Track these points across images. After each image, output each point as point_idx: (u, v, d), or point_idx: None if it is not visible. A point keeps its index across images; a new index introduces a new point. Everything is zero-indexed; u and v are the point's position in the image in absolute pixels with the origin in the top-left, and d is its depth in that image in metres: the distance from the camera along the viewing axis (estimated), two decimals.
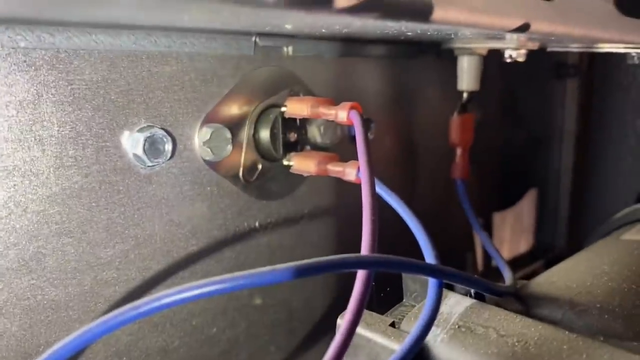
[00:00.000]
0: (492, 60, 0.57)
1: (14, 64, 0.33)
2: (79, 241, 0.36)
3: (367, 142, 0.37)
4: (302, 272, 0.27)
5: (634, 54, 0.59)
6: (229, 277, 0.26)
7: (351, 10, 0.25)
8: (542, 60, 0.73)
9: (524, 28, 0.34)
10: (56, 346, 0.26)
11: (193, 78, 0.40)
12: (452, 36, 0.46)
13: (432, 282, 0.32)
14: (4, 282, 0.34)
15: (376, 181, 0.37)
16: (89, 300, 0.38)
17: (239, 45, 0.42)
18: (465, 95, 0.57)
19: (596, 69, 0.83)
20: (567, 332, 0.32)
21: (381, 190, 0.39)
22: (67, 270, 0.36)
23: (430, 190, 0.66)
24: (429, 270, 0.31)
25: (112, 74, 0.36)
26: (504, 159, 0.80)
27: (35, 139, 0.34)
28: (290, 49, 0.46)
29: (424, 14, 0.28)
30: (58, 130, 0.35)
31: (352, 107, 0.40)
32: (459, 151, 0.59)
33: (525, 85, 0.80)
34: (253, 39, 0.42)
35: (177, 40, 0.38)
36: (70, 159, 0.35)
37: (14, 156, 0.33)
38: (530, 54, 0.53)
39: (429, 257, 0.33)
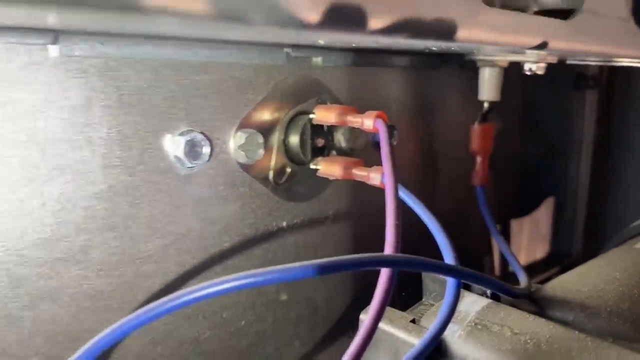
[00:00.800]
0: (513, 72, 0.59)
1: (69, 70, 0.36)
2: (122, 235, 0.39)
3: (392, 150, 0.40)
4: (331, 268, 0.29)
5: None
6: (260, 272, 0.28)
7: (382, 31, 0.27)
8: (562, 71, 0.74)
9: (542, 46, 0.36)
10: (105, 332, 0.29)
11: (230, 86, 0.43)
12: (474, 50, 0.49)
13: (450, 281, 0.34)
14: (55, 271, 0.37)
15: (399, 186, 0.39)
16: (130, 291, 0.41)
17: (273, 56, 0.45)
18: (486, 105, 0.59)
19: (616, 80, 0.85)
20: (577, 333, 0.34)
21: (403, 194, 0.41)
22: (110, 262, 0.39)
23: (449, 195, 0.68)
24: (449, 270, 0.34)
25: (156, 81, 0.39)
26: (523, 167, 0.81)
27: (85, 140, 0.37)
28: (319, 59, 0.48)
29: (448, 34, 0.30)
30: (106, 133, 0.38)
31: (378, 116, 0.42)
32: (479, 159, 0.62)
33: (544, 96, 0.81)
34: (286, 50, 0.45)
35: (216, 51, 0.41)
36: (117, 159, 0.38)
37: (66, 155, 0.36)
38: (550, 66, 0.55)
39: (449, 258, 0.36)
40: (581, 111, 0.86)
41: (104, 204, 0.38)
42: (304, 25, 0.26)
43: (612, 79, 0.88)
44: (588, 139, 0.87)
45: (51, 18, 0.27)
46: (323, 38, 0.33)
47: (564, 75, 0.84)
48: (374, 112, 0.42)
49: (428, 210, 0.39)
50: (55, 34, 0.34)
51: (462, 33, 0.31)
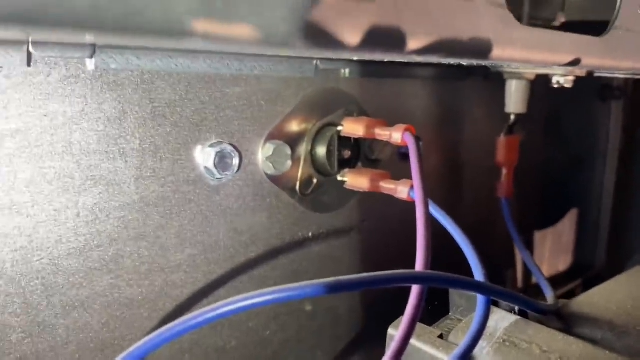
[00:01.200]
0: (539, 82, 0.59)
1: (105, 83, 0.36)
2: (153, 245, 0.40)
3: (421, 164, 0.40)
4: (360, 285, 0.30)
5: None
6: (311, 284, 0.28)
7: (419, 52, 0.28)
8: (588, 82, 0.74)
9: (574, 63, 0.36)
10: (145, 339, 0.30)
11: (259, 98, 0.43)
12: (504, 65, 0.49)
13: (480, 298, 0.34)
14: (88, 280, 0.37)
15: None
16: (159, 300, 0.41)
17: (302, 68, 0.45)
18: (512, 117, 0.59)
19: None
20: (607, 352, 0.34)
21: (432, 208, 0.41)
22: (141, 271, 0.40)
23: (473, 206, 0.68)
24: (479, 288, 0.34)
25: (188, 93, 0.40)
26: (546, 178, 0.81)
27: (119, 152, 0.37)
28: (347, 71, 0.49)
29: (484, 53, 0.30)
30: (139, 144, 0.38)
31: (406, 129, 0.42)
32: (504, 171, 0.61)
33: (569, 107, 0.81)
34: (314, 62, 0.46)
35: (247, 64, 0.42)
36: (149, 170, 0.39)
37: (100, 167, 0.37)
38: (578, 78, 0.55)
39: (479, 275, 0.36)
40: (606, 122, 0.85)
41: (135, 215, 0.39)
42: (344, 48, 0.26)
43: (637, 89, 0.87)
44: (613, 150, 0.86)
45: (99, 40, 0.28)
46: (361, 57, 0.33)
47: (589, 86, 0.83)
48: (403, 126, 0.42)
49: (457, 225, 0.39)
50: (92, 48, 0.35)
51: (496, 52, 0.31)
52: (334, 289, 0.28)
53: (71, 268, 0.37)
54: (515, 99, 0.57)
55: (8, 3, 0.22)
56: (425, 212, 0.35)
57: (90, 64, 0.35)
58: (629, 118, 0.87)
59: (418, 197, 0.37)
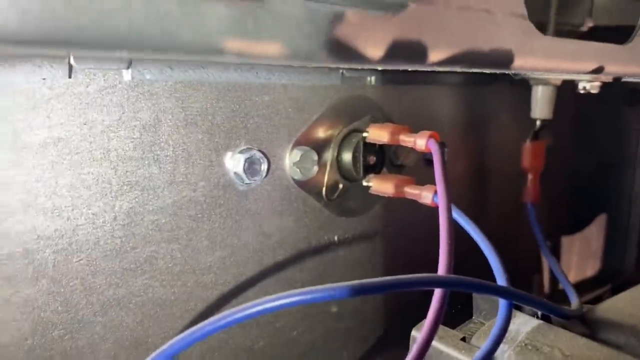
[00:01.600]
0: (566, 88, 0.59)
1: (140, 93, 0.38)
2: (185, 247, 0.42)
3: (445, 170, 0.41)
4: (382, 288, 0.31)
5: None
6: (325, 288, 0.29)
7: (441, 63, 0.28)
8: (616, 88, 0.74)
9: (598, 71, 0.36)
10: (177, 338, 0.31)
11: (287, 106, 0.45)
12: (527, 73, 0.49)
13: (502, 302, 0.35)
14: (123, 280, 0.39)
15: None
16: (190, 300, 0.43)
17: (328, 77, 0.46)
18: (538, 123, 0.59)
19: None
20: (629, 357, 0.34)
21: (455, 213, 0.42)
22: (173, 272, 0.41)
23: (499, 211, 0.68)
24: (501, 292, 0.34)
25: (219, 102, 0.41)
26: (574, 183, 0.81)
27: (153, 158, 0.39)
28: (372, 78, 0.50)
29: (505, 64, 0.31)
30: (172, 151, 0.40)
31: (430, 136, 0.43)
32: (530, 176, 0.62)
33: (597, 112, 0.80)
34: (340, 71, 0.47)
35: (275, 73, 0.43)
36: (182, 175, 0.41)
37: (136, 172, 0.39)
38: (604, 84, 0.55)
39: (501, 279, 0.36)
40: (636, 126, 0.84)
41: (168, 218, 0.41)
42: (367, 60, 0.27)
43: None
44: None
45: (135, 56, 0.30)
46: (384, 68, 0.34)
47: (617, 91, 0.82)
48: (427, 133, 0.43)
49: (480, 230, 0.40)
50: (129, 61, 0.36)
51: (518, 62, 0.31)
52: (358, 291, 0.29)
53: (108, 269, 0.39)
54: (541, 105, 0.58)
55: (52, 26, 0.23)
56: (449, 217, 0.36)
57: (126, 74, 0.37)
58: None
59: (441, 202, 0.38)
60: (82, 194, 0.37)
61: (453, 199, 0.39)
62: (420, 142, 0.43)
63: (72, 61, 0.34)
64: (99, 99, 0.37)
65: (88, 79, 0.36)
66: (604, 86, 0.55)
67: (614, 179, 0.86)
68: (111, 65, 0.36)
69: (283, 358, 0.49)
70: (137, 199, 0.39)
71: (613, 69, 0.37)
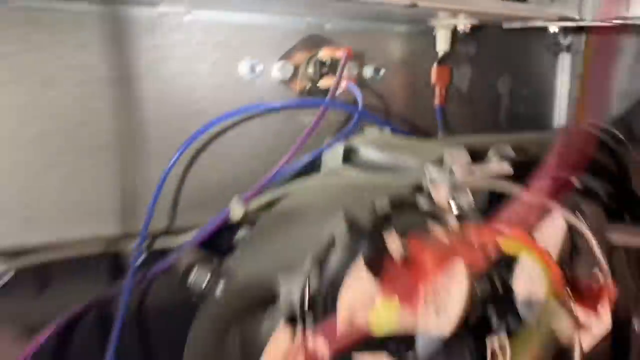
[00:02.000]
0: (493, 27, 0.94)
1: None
2: None
3: (342, 72, 0.79)
4: None
5: None
6: None
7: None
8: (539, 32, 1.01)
9: (412, 6, 0.71)
10: None
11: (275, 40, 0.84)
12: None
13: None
14: None
15: None
16: None
17: (300, 24, 0.85)
18: (440, 53, 0.95)
19: None
20: None
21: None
22: None
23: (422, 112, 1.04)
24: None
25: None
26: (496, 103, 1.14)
27: None
28: (329, 25, 0.88)
29: None
30: None
31: (345, 50, 0.81)
32: (437, 88, 0.97)
33: (521, 53, 1.13)
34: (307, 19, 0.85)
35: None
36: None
37: None
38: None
39: None
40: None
41: None
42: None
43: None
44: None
45: None
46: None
47: (541, 37, 1.12)
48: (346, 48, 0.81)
49: None
50: None
51: None
52: None
53: None
54: (439, 41, 0.93)
55: None
56: None
57: None
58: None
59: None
60: None
61: None
62: (339, 53, 0.81)
63: None
64: None
65: None
66: (475, 28, 0.89)
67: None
68: None
69: None
70: None
71: (424, 3, 0.72)
